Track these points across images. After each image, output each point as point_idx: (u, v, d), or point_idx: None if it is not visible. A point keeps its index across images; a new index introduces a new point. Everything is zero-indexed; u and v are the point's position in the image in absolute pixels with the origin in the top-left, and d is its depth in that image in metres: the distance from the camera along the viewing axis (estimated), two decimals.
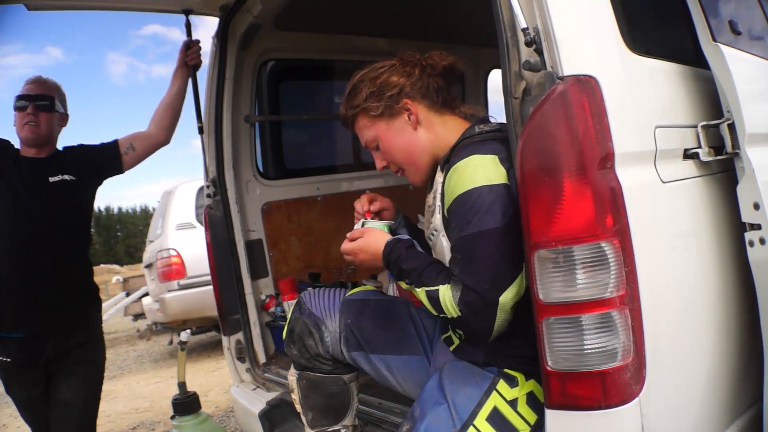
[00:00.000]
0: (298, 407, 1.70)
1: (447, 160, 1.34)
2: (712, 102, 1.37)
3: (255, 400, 2.28)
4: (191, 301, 5.68)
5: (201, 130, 2.48)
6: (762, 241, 1.25)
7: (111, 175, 2.38)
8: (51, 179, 2.20)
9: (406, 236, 1.46)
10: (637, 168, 1.15)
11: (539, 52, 1.11)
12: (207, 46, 2.47)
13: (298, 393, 1.68)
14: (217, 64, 2.46)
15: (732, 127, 1.29)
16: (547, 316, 1.09)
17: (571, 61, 1.09)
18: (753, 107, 1.34)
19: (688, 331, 1.22)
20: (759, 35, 1.72)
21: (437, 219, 1.36)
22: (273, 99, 2.92)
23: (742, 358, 1.36)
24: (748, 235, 1.28)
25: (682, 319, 1.21)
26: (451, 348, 1.46)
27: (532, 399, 1.26)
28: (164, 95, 2.43)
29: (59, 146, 2.32)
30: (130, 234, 63.05)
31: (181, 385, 2.38)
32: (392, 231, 1.53)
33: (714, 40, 1.34)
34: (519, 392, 1.27)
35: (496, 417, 1.25)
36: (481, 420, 1.24)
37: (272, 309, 2.64)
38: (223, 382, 4.89)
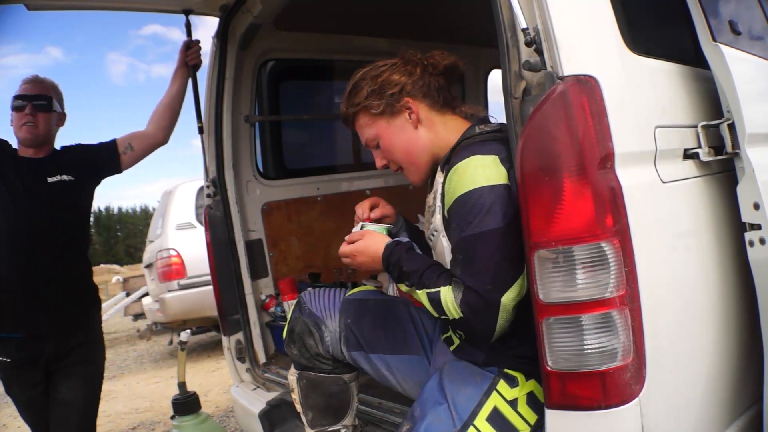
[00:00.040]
0: (298, 407, 1.70)
1: (447, 161, 1.34)
2: (712, 102, 1.37)
3: (255, 400, 2.28)
4: (191, 301, 5.68)
5: (201, 130, 2.48)
6: (762, 241, 1.25)
7: (109, 175, 2.38)
8: (49, 180, 2.20)
9: (405, 239, 1.46)
10: (637, 168, 1.15)
11: (539, 52, 1.11)
12: (207, 46, 2.47)
13: (298, 393, 1.68)
14: (217, 64, 2.46)
15: (732, 127, 1.29)
16: (547, 316, 1.09)
17: (571, 61, 1.09)
18: (753, 107, 1.34)
19: (688, 331, 1.22)
20: (759, 35, 1.72)
21: (437, 219, 1.36)
22: (273, 99, 2.92)
23: (742, 358, 1.36)
24: (748, 235, 1.28)
25: (682, 319, 1.21)
26: (452, 348, 1.46)
27: (532, 399, 1.26)
28: (164, 95, 2.43)
29: (57, 146, 2.32)
30: (130, 234, 63.05)
31: (181, 385, 2.38)
32: (392, 234, 1.53)
33: (714, 40, 1.34)
34: (519, 392, 1.27)
35: (496, 417, 1.25)
36: (481, 420, 1.24)
37: (272, 309, 2.64)
38: (223, 382, 4.89)
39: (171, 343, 7.12)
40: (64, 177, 2.22)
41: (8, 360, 2.14)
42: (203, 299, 5.34)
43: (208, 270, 2.61)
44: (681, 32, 1.45)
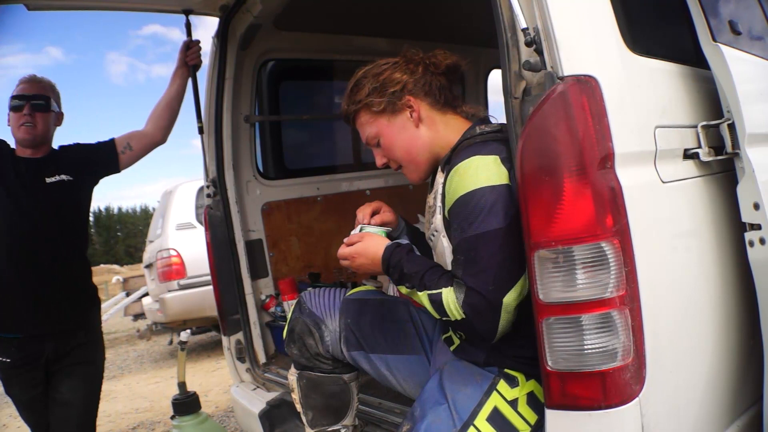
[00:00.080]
0: (299, 407, 1.70)
1: (448, 161, 1.34)
2: (712, 102, 1.37)
3: (255, 400, 2.28)
4: (191, 301, 5.68)
5: (201, 130, 2.48)
6: (762, 241, 1.25)
7: (108, 174, 2.38)
8: (48, 180, 2.19)
9: (405, 241, 1.46)
10: (637, 168, 1.15)
11: (539, 52, 1.11)
12: (207, 46, 2.47)
13: (299, 392, 1.68)
14: (217, 64, 2.47)
15: (732, 127, 1.29)
16: (547, 316, 1.09)
17: (571, 61, 1.09)
18: (753, 107, 1.34)
19: (688, 331, 1.22)
20: (759, 35, 1.72)
21: (438, 220, 1.36)
22: (273, 99, 2.92)
23: (742, 358, 1.36)
24: (748, 235, 1.28)
25: (682, 319, 1.21)
26: (452, 348, 1.46)
27: (532, 399, 1.26)
28: (163, 94, 2.43)
29: (55, 145, 2.31)
30: (130, 234, 63.05)
31: (181, 385, 2.38)
32: (391, 237, 1.53)
33: (714, 40, 1.34)
34: (519, 392, 1.27)
35: (496, 417, 1.25)
36: (481, 420, 1.24)
37: (272, 309, 2.64)
38: (223, 382, 4.89)
39: (171, 343, 7.12)
40: (63, 177, 2.22)
41: (8, 360, 2.14)
42: (203, 299, 5.35)
43: (208, 270, 2.62)
44: (681, 32, 1.46)
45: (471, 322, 1.21)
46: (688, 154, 1.30)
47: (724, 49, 1.33)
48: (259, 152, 2.80)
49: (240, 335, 2.55)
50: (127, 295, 8.11)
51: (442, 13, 2.87)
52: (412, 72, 1.43)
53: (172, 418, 2.37)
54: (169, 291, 5.77)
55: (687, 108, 1.34)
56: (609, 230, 1.05)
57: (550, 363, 1.10)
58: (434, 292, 1.26)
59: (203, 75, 2.50)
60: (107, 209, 66.97)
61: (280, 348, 2.59)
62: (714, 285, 1.31)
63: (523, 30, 1.11)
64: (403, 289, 1.36)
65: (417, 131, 1.43)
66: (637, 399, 1.07)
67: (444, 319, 1.26)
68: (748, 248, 1.28)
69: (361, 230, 1.51)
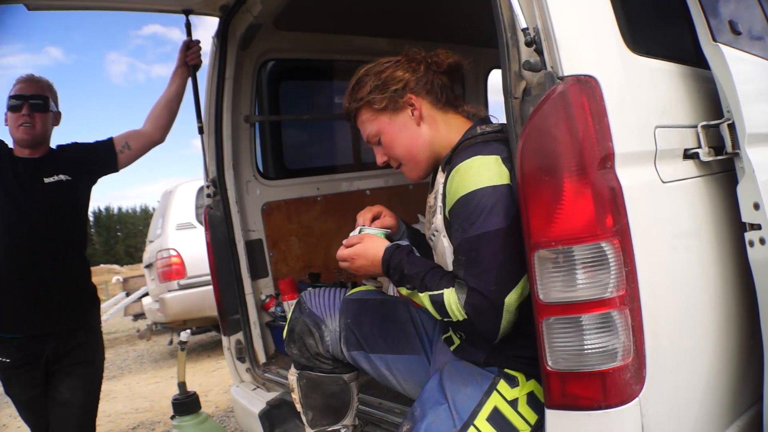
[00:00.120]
0: (299, 407, 1.70)
1: (449, 161, 1.34)
2: (712, 102, 1.37)
3: (255, 400, 2.28)
4: (191, 301, 5.68)
5: (201, 130, 2.48)
6: (762, 241, 1.25)
7: (106, 174, 2.37)
8: (46, 180, 2.19)
9: (405, 242, 1.46)
10: (637, 168, 1.15)
11: (539, 52, 1.11)
12: (207, 46, 2.47)
13: (299, 392, 1.68)
14: (217, 64, 2.46)
15: (732, 127, 1.29)
16: (547, 316, 1.09)
17: (571, 61, 1.09)
18: (753, 107, 1.34)
19: (688, 331, 1.22)
20: (759, 35, 1.72)
21: (438, 219, 1.36)
22: (273, 99, 2.92)
23: (742, 358, 1.36)
24: (748, 235, 1.28)
25: (682, 319, 1.21)
26: (452, 348, 1.46)
27: (532, 399, 1.26)
28: (162, 94, 2.42)
29: (53, 144, 2.30)
30: (130, 234, 63.06)
31: (181, 385, 2.38)
32: (391, 239, 1.53)
33: (714, 40, 1.34)
34: (519, 392, 1.27)
35: (496, 417, 1.25)
36: (481, 420, 1.24)
37: (272, 309, 2.64)
38: (223, 382, 4.89)
39: (171, 343, 7.12)
40: (61, 177, 2.22)
41: (8, 360, 2.14)
42: (203, 299, 5.35)
43: (208, 270, 2.62)
44: (681, 32, 1.46)
45: (473, 322, 1.21)
46: (688, 154, 1.30)
47: (724, 49, 1.33)
48: (259, 152, 2.80)
49: (240, 335, 2.55)
50: (127, 295, 8.11)
51: (442, 13, 2.87)
52: (414, 70, 1.43)
53: (172, 418, 2.37)
54: (169, 291, 5.77)
55: (687, 108, 1.34)
56: (609, 230, 1.05)
57: (550, 363, 1.10)
58: (436, 293, 1.26)
59: (203, 75, 2.50)
60: (107, 209, 67.06)
61: (280, 348, 2.59)
62: (714, 285, 1.31)
63: (523, 30, 1.11)
64: (404, 291, 1.36)
65: (418, 129, 1.43)
66: (637, 399, 1.07)
67: (446, 320, 1.26)
68: (748, 248, 1.28)
69: (360, 232, 1.51)
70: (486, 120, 1.45)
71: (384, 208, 1.61)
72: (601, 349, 1.06)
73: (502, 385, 1.28)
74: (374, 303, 1.66)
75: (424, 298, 1.29)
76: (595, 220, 1.05)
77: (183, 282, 5.74)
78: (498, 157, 1.24)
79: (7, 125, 2.20)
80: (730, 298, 1.34)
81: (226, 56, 2.47)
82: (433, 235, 1.41)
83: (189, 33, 2.39)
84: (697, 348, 1.25)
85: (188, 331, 2.51)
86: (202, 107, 2.48)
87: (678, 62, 1.38)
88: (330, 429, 1.67)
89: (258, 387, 2.46)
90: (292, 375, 1.70)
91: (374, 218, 1.58)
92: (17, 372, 2.16)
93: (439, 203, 1.35)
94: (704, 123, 1.32)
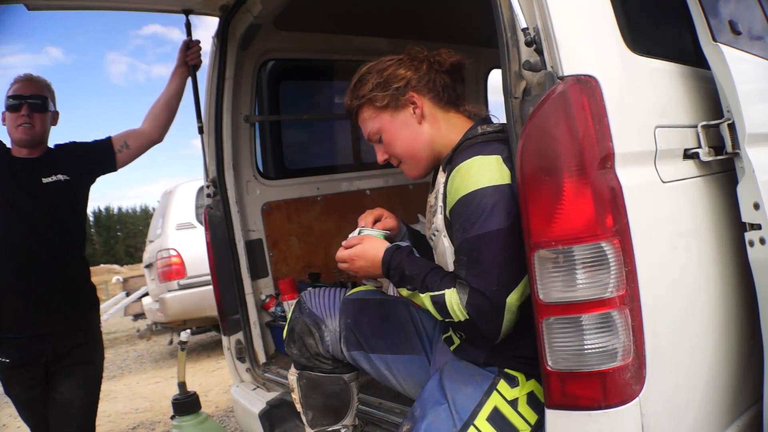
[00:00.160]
0: (299, 407, 1.70)
1: (449, 161, 1.34)
2: (712, 102, 1.37)
3: (255, 400, 2.28)
4: (191, 301, 5.68)
5: (201, 130, 2.48)
6: (762, 241, 1.25)
7: (104, 173, 2.37)
8: (44, 180, 2.18)
9: (405, 243, 1.46)
10: (637, 168, 1.15)
11: (539, 52, 1.11)
12: (207, 46, 2.47)
13: (299, 392, 1.68)
14: (217, 64, 2.46)
15: (732, 127, 1.29)
16: (547, 316, 1.09)
17: (571, 61, 1.09)
18: (753, 107, 1.34)
19: (688, 331, 1.22)
20: (759, 35, 1.72)
21: (439, 219, 1.36)
22: (273, 99, 2.92)
23: (742, 358, 1.36)
24: (748, 235, 1.28)
25: (682, 319, 1.21)
26: (452, 348, 1.46)
27: (532, 399, 1.26)
28: (161, 93, 2.42)
29: (50, 144, 2.30)
30: (130, 234, 63.08)
31: (181, 385, 2.38)
32: (391, 240, 1.53)
33: (714, 40, 1.34)
34: (519, 392, 1.27)
35: (496, 417, 1.25)
36: (481, 420, 1.24)
37: (272, 309, 2.64)
38: (223, 382, 4.89)
39: (171, 343, 7.13)
40: (60, 177, 2.21)
41: (7, 360, 2.14)
42: (203, 299, 5.35)
43: (208, 270, 2.62)
44: (681, 32, 1.46)
45: (474, 322, 1.21)
46: (688, 154, 1.30)
47: (724, 49, 1.33)
48: (259, 152, 2.80)
49: (240, 335, 2.55)
50: (127, 295, 8.11)
51: (442, 13, 2.87)
52: (417, 69, 1.43)
53: (172, 418, 2.37)
54: (169, 291, 5.77)
55: (687, 108, 1.34)
56: (609, 230, 1.05)
57: (550, 363, 1.10)
58: (437, 293, 1.26)
59: (203, 75, 2.50)
60: (107, 209, 67.10)
61: (280, 348, 2.59)
62: (714, 285, 1.31)
63: (523, 30, 1.11)
64: (404, 292, 1.36)
65: (419, 128, 1.43)
66: (637, 399, 1.07)
67: (447, 320, 1.26)
68: (748, 248, 1.28)
69: (359, 233, 1.51)
70: (487, 120, 1.45)
71: (384, 210, 1.61)
72: (601, 349, 1.06)
73: (502, 385, 1.28)
74: (374, 303, 1.66)
75: (425, 299, 1.29)
76: (595, 220, 1.05)
77: (183, 282, 5.75)
78: (499, 156, 1.23)
79: (5, 125, 2.19)
80: (730, 298, 1.34)
81: (226, 56, 2.47)
82: (434, 235, 1.41)
83: (189, 33, 2.39)
84: (697, 348, 1.25)
85: (188, 331, 2.50)
86: (202, 107, 2.48)
87: (678, 62, 1.38)
88: (330, 429, 1.67)
89: (258, 387, 2.46)
90: (292, 375, 1.70)
91: (375, 221, 1.58)
92: (17, 372, 2.16)
93: (440, 203, 1.35)
94: (704, 123, 1.32)
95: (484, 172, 1.22)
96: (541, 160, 1.08)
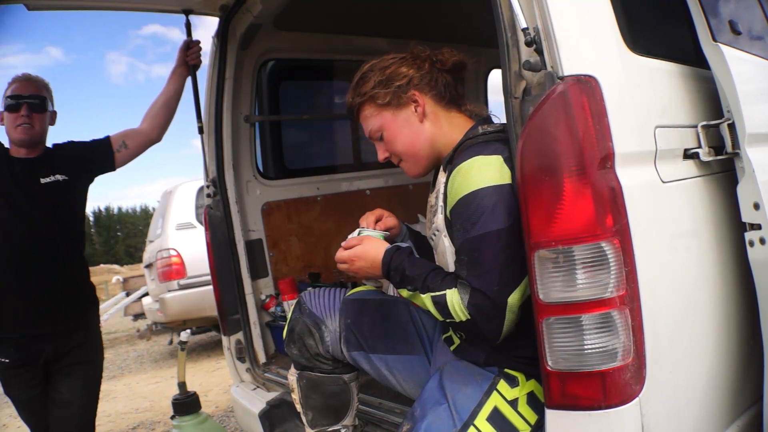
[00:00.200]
0: (299, 407, 1.70)
1: (450, 161, 1.34)
2: (712, 102, 1.37)
3: (255, 400, 2.28)
4: (191, 301, 5.68)
5: (201, 130, 2.48)
6: (762, 241, 1.25)
7: (103, 173, 2.36)
8: (43, 180, 2.18)
9: (404, 243, 1.46)
10: (637, 168, 1.15)
11: (539, 52, 1.11)
12: (207, 46, 2.47)
13: (299, 393, 1.68)
14: (217, 64, 2.46)
15: (732, 127, 1.29)
16: (547, 316, 1.09)
17: (571, 61, 1.09)
18: (753, 107, 1.34)
19: (688, 331, 1.22)
20: (759, 35, 1.72)
21: (439, 219, 1.36)
22: (273, 99, 2.92)
23: (742, 358, 1.36)
24: (748, 235, 1.28)
25: (682, 319, 1.21)
26: (452, 348, 1.46)
27: (532, 399, 1.26)
28: (160, 93, 2.41)
29: (48, 143, 2.29)
30: (130, 234, 63.08)
31: (181, 385, 2.38)
32: (391, 241, 1.53)
33: (714, 40, 1.34)
34: (519, 392, 1.27)
35: (496, 417, 1.25)
36: (481, 420, 1.24)
37: (272, 309, 2.64)
38: (223, 382, 4.89)
39: (171, 343, 7.13)
40: (58, 177, 2.21)
41: (7, 361, 2.14)
42: (203, 299, 5.35)
43: (208, 270, 2.61)
44: (681, 32, 1.45)
45: (476, 322, 1.21)
46: (688, 154, 1.30)
47: (724, 49, 1.33)
48: (259, 152, 2.80)
49: (240, 335, 2.55)
50: (127, 295, 8.11)
51: (442, 13, 2.87)
52: (419, 67, 1.43)
53: (172, 418, 2.37)
54: (169, 291, 5.77)
55: (687, 108, 1.34)
56: (609, 230, 1.05)
57: (550, 363, 1.10)
58: (438, 293, 1.26)
59: (203, 75, 2.50)
60: (107, 209, 67.11)
61: (280, 348, 2.59)
62: (714, 285, 1.31)
63: (523, 30, 1.11)
64: (405, 293, 1.35)
65: (421, 126, 1.43)
66: (637, 399, 1.07)
67: (448, 320, 1.26)
68: (748, 248, 1.28)
69: (359, 233, 1.51)
70: (488, 120, 1.45)
71: (384, 211, 1.61)
72: (601, 349, 1.06)
73: (502, 385, 1.28)
74: (374, 303, 1.66)
75: (426, 299, 1.29)
76: (595, 220, 1.05)
77: (183, 282, 5.75)
78: (499, 156, 1.24)
79: (3, 125, 2.18)
80: (730, 298, 1.33)
81: (226, 56, 2.47)
82: (434, 235, 1.41)
83: (189, 33, 2.39)
84: (697, 348, 1.25)
85: (188, 331, 2.50)
86: (202, 107, 2.48)
87: (678, 62, 1.38)
88: (330, 429, 1.67)
89: (258, 387, 2.46)
90: (292, 375, 1.70)
91: (376, 221, 1.58)
92: (17, 372, 2.16)
93: (440, 203, 1.35)
94: (704, 123, 1.32)
95: (485, 172, 1.22)
96: (541, 160, 1.08)
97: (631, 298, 1.06)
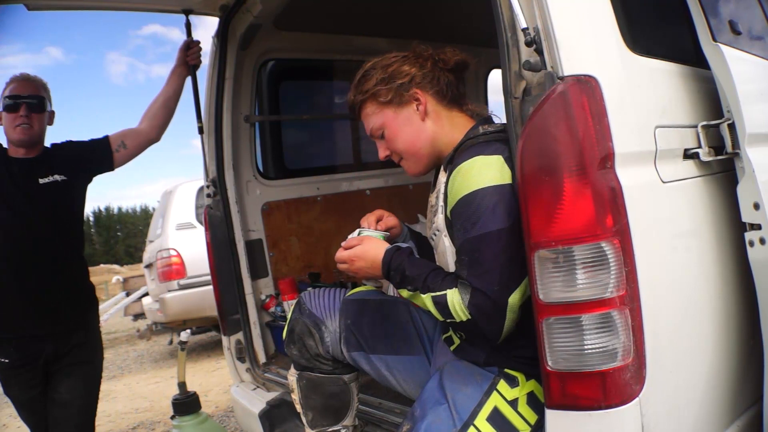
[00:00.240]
0: (298, 407, 1.70)
1: (450, 161, 1.34)
2: (712, 102, 1.37)
3: (255, 400, 2.28)
4: (191, 301, 5.68)
5: (201, 130, 2.48)
6: (762, 241, 1.25)
7: (102, 173, 2.36)
8: (41, 181, 2.18)
9: (404, 244, 1.46)
10: (637, 168, 1.15)
11: (539, 52, 1.11)
12: (207, 46, 2.47)
13: (298, 393, 1.68)
14: (217, 64, 2.46)
15: (732, 127, 1.29)
16: (547, 316, 1.09)
17: (571, 61, 1.09)
18: (753, 107, 1.34)
19: (688, 331, 1.22)
20: (759, 35, 1.72)
21: (439, 219, 1.36)
22: (273, 99, 2.92)
23: (742, 358, 1.36)
24: (748, 235, 1.28)
25: (682, 319, 1.21)
26: (452, 348, 1.46)
27: (532, 399, 1.26)
28: (159, 93, 2.41)
29: (47, 143, 2.28)
30: (130, 234, 63.07)
31: (181, 385, 2.38)
32: (391, 241, 1.53)
33: (714, 40, 1.34)
34: (519, 392, 1.27)
35: (496, 417, 1.25)
36: (481, 420, 1.24)
37: (272, 309, 2.64)
38: (223, 382, 4.89)
39: (171, 343, 7.13)
40: (57, 177, 2.20)
41: (7, 361, 2.14)
42: (203, 299, 5.35)
43: (208, 270, 2.61)
44: (681, 32, 1.46)
45: (476, 322, 1.21)
46: (688, 154, 1.30)
47: (724, 49, 1.33)
48: (259, 152, 2.80)
49: (240, 335, 2.55)
50: (127, 295, 8.11)
51: (441, 13, 2.87)
52: (421, 66, 1.43)
53: (172, 418, 2.37)
54: (169, 291, 5.77)
55: (687, 108, 1.34)
56: (609, 230, 1.05)
57: (550, 363, 1.10)
58: (438, 293, 1.26)
59: (203, 75, 2.50)
60: (107, 209, 67.09)
61: (280, 348, 2.59)
62: (714, 285, 1.31)
63: (523, 30, 1.11)
64: (405, 293, 1.35)
65: (422, 124, 1.43)
66: (637, 399, 1.07)
67: (448, 321, 1.26)
68: (748, 248, 1.28)
69: (359, 233, 1.51)
70: (489, 120, 1.46)
71: (384, 211, 1.61)
72: (601, 349, 1.06)
73: (502, 385, 1.28)
74: (374, 303, 1.66)
75: (426, 300, 1.29)
76: (595, 220, 1.05)
77: (183, 282, 5.75)
78: (500, 156, 1.24)
79: (1, 125, 2.18)
80: (730, 298, 1.34)
81: (226, 56, 2.47)
82: (435, 235, 1.41)
83: (189, 33, 2.39)
84: (697, 348, 1.25)
85: (188, 331, 2.50)
86: (202, 107, 2.48)
87: (678, 62, 1.38)
88: (330, 430, 1.67)
89: (258, 387, 2.46)
90: (292, 376, 1.70)
91: (377, 222, 1.58)
92: (16, 372, 2.16)
93: (441, 203, 1.35)
94: (704, 123, 1.32)
95: (485, 172, 1.22)
96: (541, 160, 1.08)
97: (631, 298, 1.06)
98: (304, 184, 2.97)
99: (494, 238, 1.18)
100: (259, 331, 2.58)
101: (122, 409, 4.76)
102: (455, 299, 1.22)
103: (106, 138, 2.35)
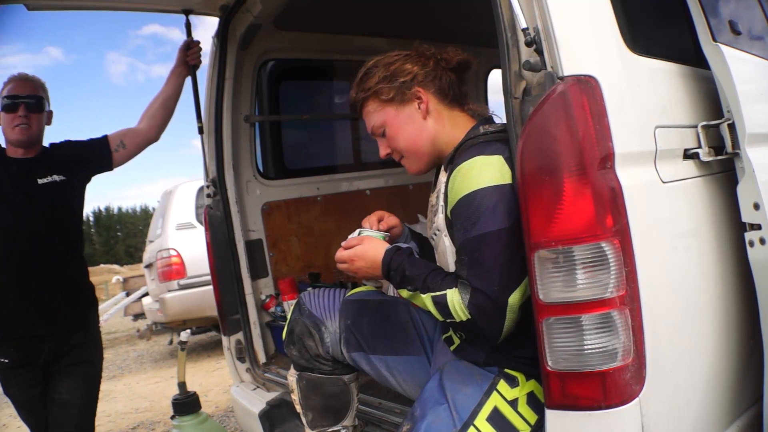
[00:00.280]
0: (298, 408, 1.70)
1: (451, 160, 1.34)
2: (712, 102, 1.37)
3: (255, 400, 2.28)
4: (191, 301, 5.68)
5: (201, 130, 2.48)
6: (762, 241, 1.25)
7: (100, 172, 2.36)
8: (40, 181, 2.17)
9: (404, 244, 1.46)
10: (637, 168, 1.15)
11: (539, 52, 1.11)
12: (207, 46, 2.47)
13: (298, 393, 1.68)
14: (217, 64, 2.46)
15: (732, 127, 1.29)
16: (547, 316, 1.09)
17: (571, 61, 1.09)
18: (753, 107, 1.34)
19: (689, 331, 1.22)
20: (759, 35, 1.72)
21: (440, 219, 1.36)
22: (273, 99, 2.92)
23: (742, 358, 1.36)
24: (748, 235, 1.28)
25: (682, 319, 1.21)
26: (452, 348, 1.46)
27: (532, 399, 1.26)
28: (159, 92, 2.41)
29: (45, 142, 2.28)
30: (130, 234, 63.06)
31: (181, 385, 2.38)
32: (392, 241, 1.52)
33: (714, 40, 1.34)
34: (519, 392, 1.27)
35: (496, 417, 1.25)
36: (481, 420, 1.24)
37: (272, 309, 2.64)
38: (223, 382, 4.89)
39: (171, 343, 7.13)
40: (55, 177, 2.20)
41: (6, 361, 2.14)
42: (203, 299, 5.35)
43: (208, 270, 2.61)
44: (681, 32, 1.46)
45: (476, 322, 1.21)
46: (688, 154, 1.30)
47: (724, 49, 1.33)
48: (259, 152, 2.80)
49: (240, 335, 2.55)
50: (127, 295, 8.11)
51: (441, 13, 2.87)
52: (424, 65, 1.43)
53: (172, 418, 2.37)
54: (169, 291, 5.77)
55: (687, 108, 1.34)
56: (609, 230, 1.05)
57: (550, 363, 1.10)
58: (438, 293, 1.26)
59: (203, 75, 2.50)
60: (107, 209, 67.07)
61: (280, 348, 2.59)
62: (714, 285, 1.31)
63: (523, 30, 1.11)
64: (405, 293, 1.35)
65: (424, 123, 1.43)
66: (637, 399, 1.07)
67: (448, 321, 1.26)
68: (748, 248, 1.28)
69: (359, 233, 1.51)
70: (489, 120, 1.46)
71: (385, 212, 1.61)
72: (601, 349, 1.06)
73: (502, 385, 1.28)
74: (374, 304, 1.66)
75: (426, 300, 1.29)
76: (595, 220, 1.05)
77: (183, 282, 5.75)
78: (500, 156, 1.24)
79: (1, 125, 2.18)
80: (730, 298, 1.34)
81: (226, 56, 2.47)
82: (435, 234, 1.41)
83: (189, 33, 2.39)
84: (697, 348, 1.25)
85: (188, 331, 2.51)
86: (202, 107, 2.48)
87: (678, 62, 1.38)
88: (330, 430, 1.67)
89: (258, 387, 2.46)
90: (292, 376, 1.70)
91: (378, 222, 1.58)
92: (16, 372, 2.16)
93: (441, 202, 1.35)
94: (704, 123, 1.32)
95: (486, 172, 1.22)
96: (541, 160, 1.08)
97: (631, 299, 1.06)
98: (304, 184, 2.97)
99: (494, 238, 1.18)
100: (259, 331, 2.58)
101: (122, 409, 4.76)
102: (455, 299, 1.22)
103: (104, 138, 2.34)
